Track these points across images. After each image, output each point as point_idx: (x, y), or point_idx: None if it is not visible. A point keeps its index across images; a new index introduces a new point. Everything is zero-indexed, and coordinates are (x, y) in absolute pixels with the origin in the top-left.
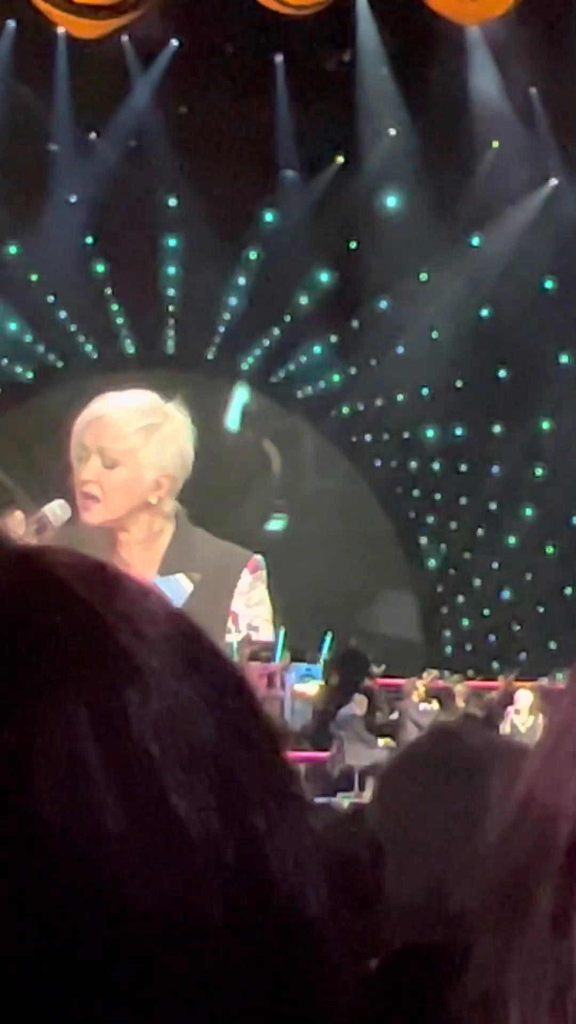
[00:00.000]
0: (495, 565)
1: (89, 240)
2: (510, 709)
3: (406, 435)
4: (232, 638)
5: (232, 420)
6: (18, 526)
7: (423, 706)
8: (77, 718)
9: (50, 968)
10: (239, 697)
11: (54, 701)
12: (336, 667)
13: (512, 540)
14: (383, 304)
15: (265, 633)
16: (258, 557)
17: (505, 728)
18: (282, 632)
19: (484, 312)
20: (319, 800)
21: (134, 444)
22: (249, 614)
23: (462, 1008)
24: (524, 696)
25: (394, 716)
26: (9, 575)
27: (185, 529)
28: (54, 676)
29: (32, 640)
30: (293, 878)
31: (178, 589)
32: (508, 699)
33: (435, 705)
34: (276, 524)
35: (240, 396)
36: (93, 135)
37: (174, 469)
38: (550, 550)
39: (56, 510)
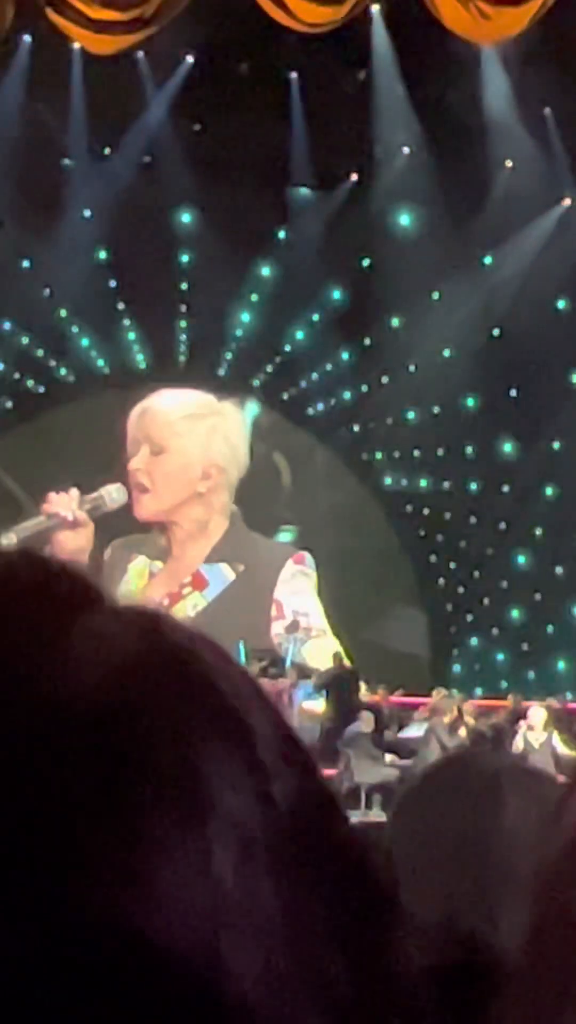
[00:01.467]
0: (504, 584)
1: (102, 255)
2: (522, 724)
3: (417, 453)
4: (279, 626)
5: (244, 436)
6: (71, 502)
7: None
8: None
9: None
10: (311, 781)
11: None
12: (326, 685)
13: (522, 559)
14: (395, 322)
15: (316, 616)
16: (305, 553)
17: (519, 745)
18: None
19: (496, 332)
20: None
21: (179, 431)
22: (294, 601)
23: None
24: (537, 713)
25: (406, 732)
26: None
27: (239, 528)
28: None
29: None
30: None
31: (220, 576)
32: (516, 718)
33: (463, 732)
34: (285, 537)
35: (251, 411)
36: (107, 150)
37: (223, 460)
38: (559, 570)
39: (113, 493)
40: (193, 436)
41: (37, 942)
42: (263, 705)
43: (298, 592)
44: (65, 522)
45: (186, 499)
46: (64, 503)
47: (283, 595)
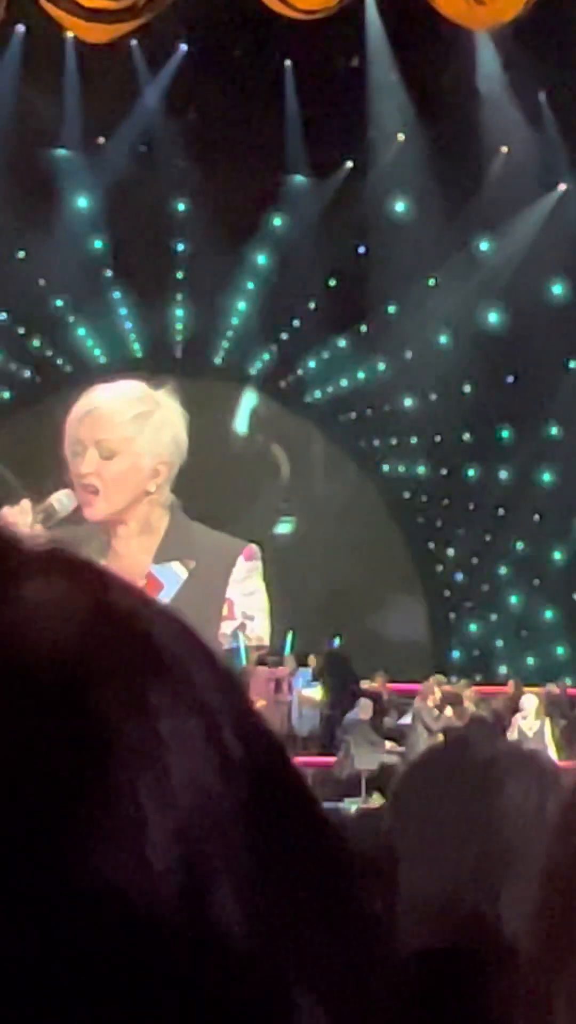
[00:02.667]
0: (503, 570)
1: (98, 245)
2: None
3: (414, 440)
4: (227, 626)
5: (240, 424)
6: (24, 514)
7: (435, 713)
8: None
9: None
10: (277, 757)
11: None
12: (323, 671)
13: (520, 545)
14: (392, 309)
15: (260, 623)
16: (254, 547)
17: (512, 734)
18: (290, 635)
19: (492, 317)
20: (326, 805)
21: (130, 433)
22: (244, 603)
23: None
24: (530, 700)
25: (405, 719)
26: (92, 619)
27: (181, 520)
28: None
29: (115, 694)
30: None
31: (173, 577)
32: (516, 704)
33: (448, 712)
34: (284, 527)
35: (248, 400)
36: (102, 140)
37: (170, 456)
38: (557, 556)
39: (63, 499)
40: (142, 436)
41: (15, 909)
42: (214, 667)
43: (250, 592)
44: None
45: (136, 498)
46: (18, 516)
47: (235, 595)
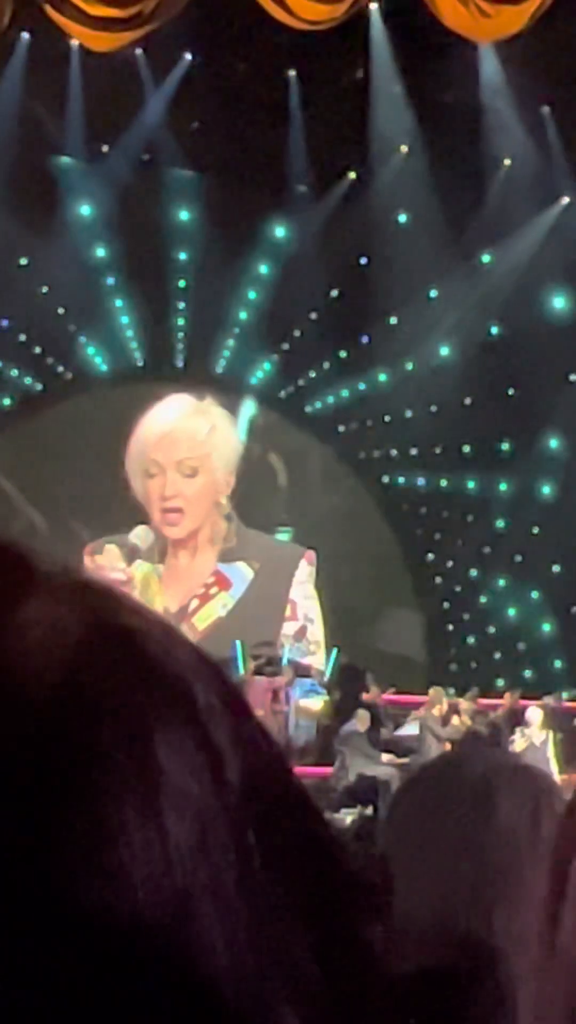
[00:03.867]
0: (501, 583)
1: (100, 253)
2: (521, 723)
3: (414, 452)
4: (290, 627)
5: (240, 433)
6: (115, 558)
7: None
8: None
9: None
10: (279, 779)
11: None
12: (336, 683)
13: (519, 558)
14: (393, 320)
15: (318, 628)
16: (312, 552)
17: (519, 744)
18: (286, 647)
19: (494, 330)
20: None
21: (207, 450)
22: (306, 605)
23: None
24: (535, 712)
25: (402, 731)
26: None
27: (239, 526)
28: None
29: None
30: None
31: (240, 575)
32: (513, 716)
33: (456, 721)
34: (282, 536)
35: (247, 410)
36: (105, 148)
37: (235, 465)
38: (556, 569)
39: (141, 534)
40: (216, 451)
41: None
42: (215, 681)
43: (310, 596)
44: (121, 583)
45: (211, 511)
46: (110, 561)
47: (298, 596)
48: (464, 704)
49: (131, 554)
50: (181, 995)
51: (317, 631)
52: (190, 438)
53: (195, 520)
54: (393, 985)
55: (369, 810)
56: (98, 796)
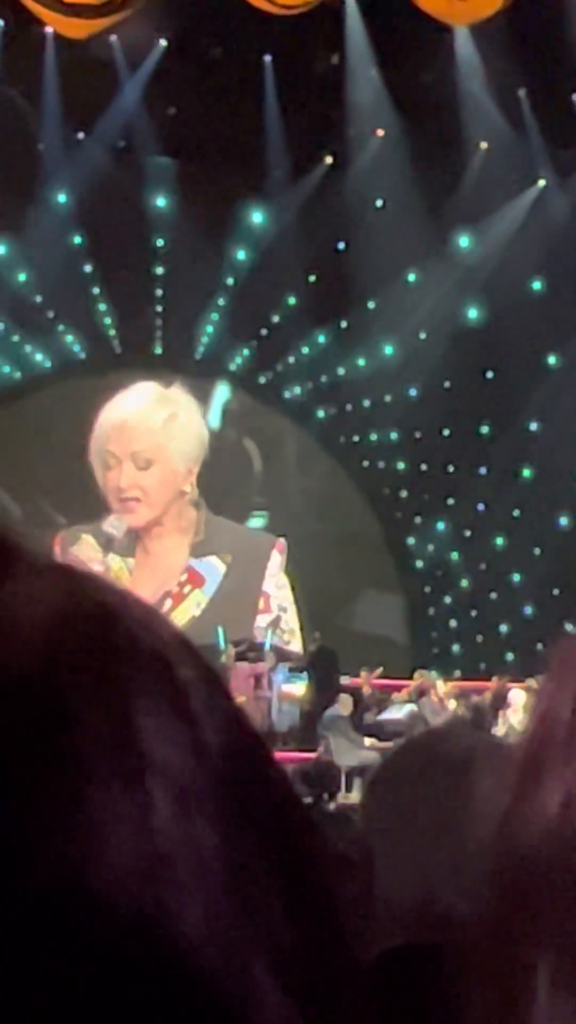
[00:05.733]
0: (482, 566)
1: (77, 240)
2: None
3: (394, 436)
4: (263, 620)
5: (213, 418)
6: (93, 550)
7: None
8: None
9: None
10: (253, 753)
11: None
12: (310, 666)
13: (499, 541)
14: (371, 305)
15: (292, 615)
16: (283, 540)
17: (502, 728)
18: (269, 633)
19: (472, 314)
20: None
21: (162, 440)
22: (279, 595)
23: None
24: (518, 695)
25: (385, 715)
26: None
27: (209, 515)
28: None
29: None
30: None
31: (213, 571)
32: (501, 700)
33: (452, 705)
34: (256, 522)
35: (221, 394)
36: (81, 135)
37: (198, 454)
38: (537, 551)
39: (114, 523)
40: (173, 441)
41: None
42: (193, 659)
43: (283, 585)
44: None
45: (173, 500)
46: (87, 552)
47: (271, 588)
48: (446, 688)
49: (107, 544)
50: (155, 957)
51: (291, 619)
52: (145, 429)
53: (153, 510)
54: (375, 960)
55: (325, 797)
56: (77, 768)
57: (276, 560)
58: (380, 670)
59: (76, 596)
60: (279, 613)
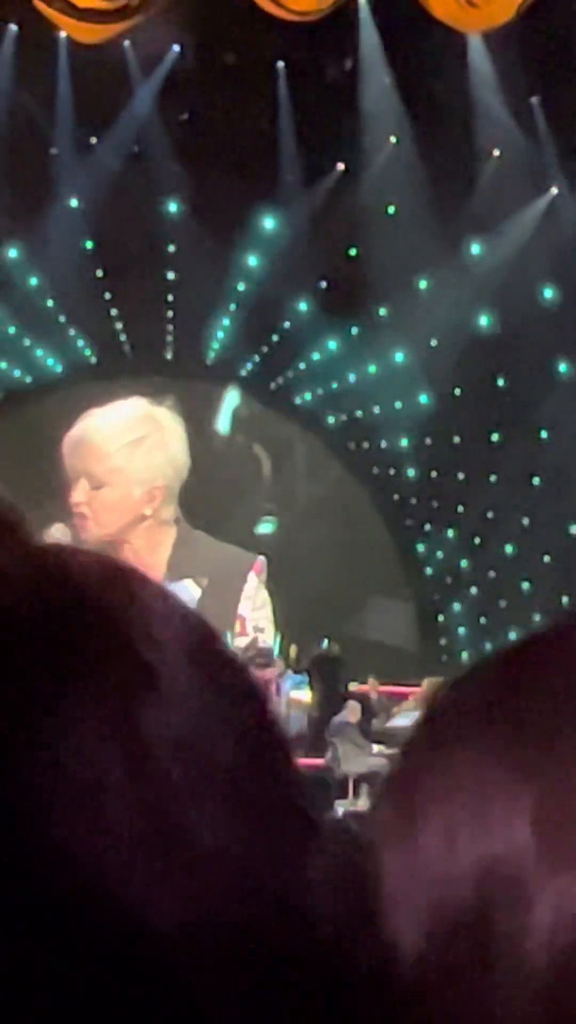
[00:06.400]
0: (492, 574)
1: (89, 245)
2: None
3: (404, 443)
4: (240, 642)
5: (223, 424)
6: None
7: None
8: (99, 737)
9: (68, 992)
10: (255, 709)
11: (72, 716)
12: (313, 672)
13: (509, 549)
14: (383, 312)
15: (270, 634)
16: (261, 559)
17: None
18: (277, 638)
19: (484, 321)
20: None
21: (119, 463)
22: (255, 616)
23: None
24: None
25: (394, 722)
26: (23, 574)
27: (187, 534)
28: (71, 688)
29: (44, 649)
30: (308, 899)
31: (187, 595)
32: None
33: None
34: (265, 527)
35: (231, 400)
36: (94, 140)
37: (165, 478)
38: (547, 559)
39: (61, 529)
40: (133, 464)
41: None
42: (158, 601)
43: (259, 606)
44: None
45: (131, 522)
46: None
47: (246, 610)
48: None
49: None
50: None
51: (267, 638)
52: (99, 449)
53: (103, 528)
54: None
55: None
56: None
57: (252, 582)
58: (376, 679)
59: (53, 571)
60: (255, 634)
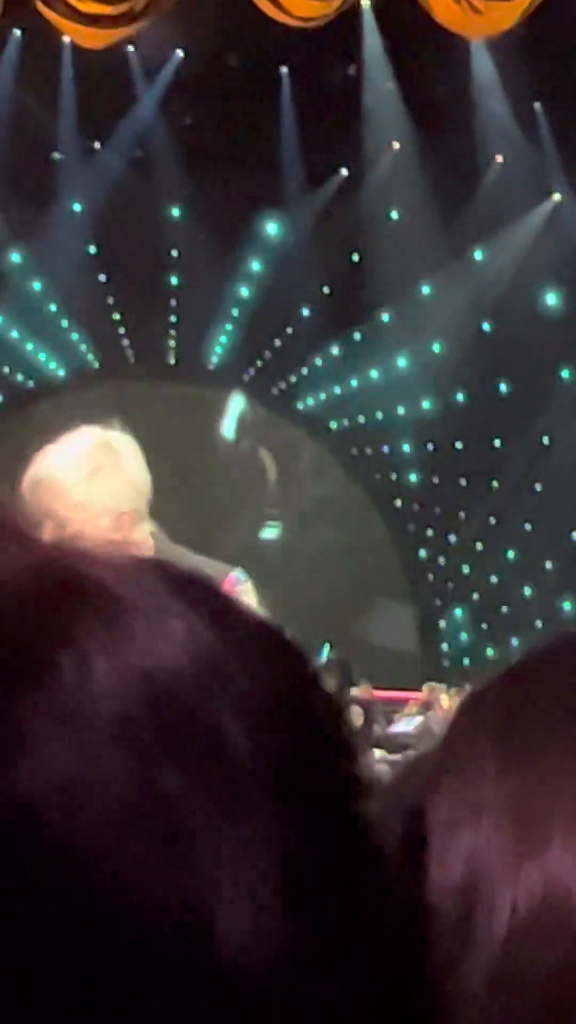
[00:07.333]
0: (494, 579)
1: (92, 250)
2: None
3: (406, 448)
4: None
5: (228, 429)
6: None
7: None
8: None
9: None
10: (318, 701)
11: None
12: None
13: (511, 554)
14: (385, 317)
15: None
16: (235, 573)
17: None
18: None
19: (486, 326)
20: None
21: (80, 498)
22: None
23: None
24: None
25: (394, 728)
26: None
27: (164, 548)
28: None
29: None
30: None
31: None
32: None
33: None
34: (270, 532)
35: (236, 405)
36: (98, 145)
37: (129, 501)
38: (549, 565)
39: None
40: (93, 496)
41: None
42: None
43: None
44: None
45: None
46: None
47: None
48: (450, 701)
49: None
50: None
51: None
52: (58, 488)
53: None
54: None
55: None
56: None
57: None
58: (368, 684)
59: (46, 567)
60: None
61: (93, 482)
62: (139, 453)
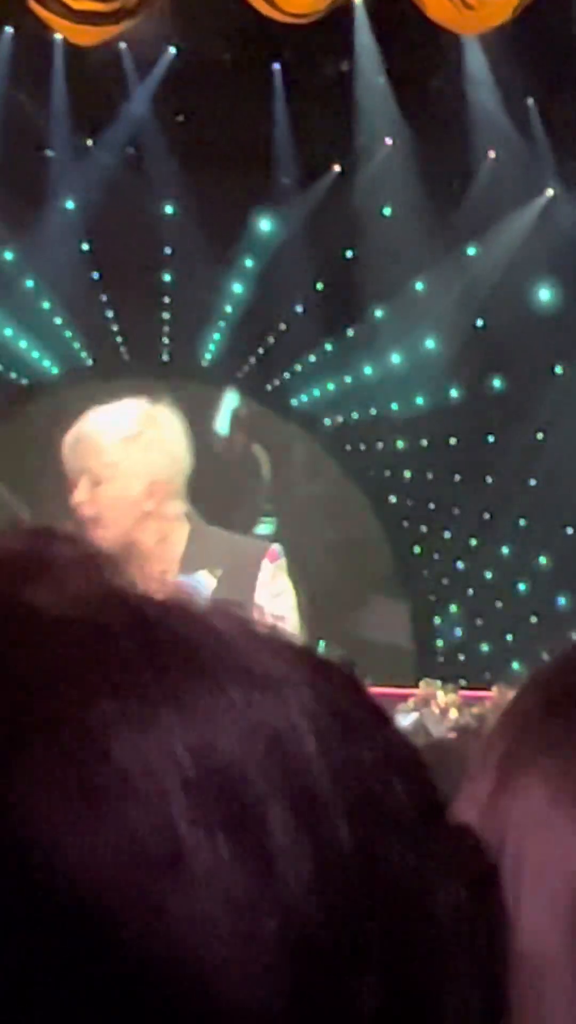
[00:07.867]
0: (488, 575)
1: (85, 247)
2: None
3: (400, 444)
4: None
5: (222, 425)
6: None
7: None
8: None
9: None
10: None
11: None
12: None
13: (506, 550)
14: (378, 313)
15: (292, 622)
16: (276, 546)
17: None
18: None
19: (479, 322)
20: None
21: (115, 458)
22: (274, 604)
23: None
24: None
25: (403, 724)
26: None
27: (200, 527)
28: None
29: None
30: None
31: (201, 586)
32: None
33: (453, 714)
34: (264, 528)
35: (230, 401)
36: (90, 142)
37: (165, 474)
38: (543, 560)
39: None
40: (129, 459)
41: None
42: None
43: (278, 593)
44: None
45: (136, 520)
46: None
47: (264, 598)
48: (450, 698)
49: None
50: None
51: (290, 625)
52: (95, 446)
53: (110, 528)
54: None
55: None
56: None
57: (267, 569)
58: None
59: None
60: (275, 623)
61: (131, 445)
62: (184, 431)
